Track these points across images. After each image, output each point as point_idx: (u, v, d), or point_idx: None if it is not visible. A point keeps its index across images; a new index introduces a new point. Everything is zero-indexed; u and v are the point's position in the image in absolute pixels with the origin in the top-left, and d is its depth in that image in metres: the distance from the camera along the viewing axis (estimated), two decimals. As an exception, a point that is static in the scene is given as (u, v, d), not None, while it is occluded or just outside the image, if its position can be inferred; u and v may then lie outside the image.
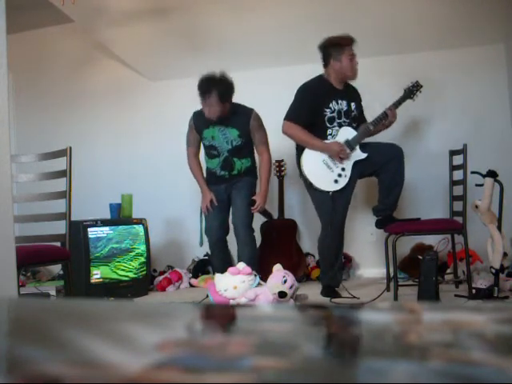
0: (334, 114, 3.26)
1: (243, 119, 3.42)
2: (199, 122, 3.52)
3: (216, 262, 3.60)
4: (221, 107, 3.34)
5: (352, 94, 3.37)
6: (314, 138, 3.23)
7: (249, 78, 3.76)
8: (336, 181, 3.22)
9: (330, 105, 3.25)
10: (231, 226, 3.57)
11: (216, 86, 3.29)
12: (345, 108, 3.29)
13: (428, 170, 4.06)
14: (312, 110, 3.22)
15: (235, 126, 3.42)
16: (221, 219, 3.52)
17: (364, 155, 3.24)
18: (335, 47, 3.24)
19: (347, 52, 3.22)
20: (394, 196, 3.27)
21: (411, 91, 3.37)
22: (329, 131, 3.26)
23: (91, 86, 4.91)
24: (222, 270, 2.97)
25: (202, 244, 3.65)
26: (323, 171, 3.24)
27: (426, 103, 4.09)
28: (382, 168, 3.21)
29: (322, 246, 3.35)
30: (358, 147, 3.26)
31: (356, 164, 3.25)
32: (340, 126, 3.27)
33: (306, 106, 3.23)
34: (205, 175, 3.63)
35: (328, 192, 3.21)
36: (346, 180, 3.22)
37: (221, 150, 3.48)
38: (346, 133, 3.27)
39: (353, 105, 3.33)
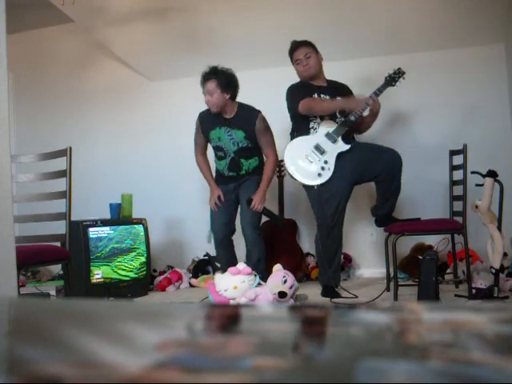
0: None
1: (249, 121, 3.39)
2: (205, 124, 3.50)
3: (220, 260, 3.60)
4: (220, 97, 3.32)
5: (336, 89, 3.34)
6: (331, 102, 3.25)
7: (248, 78, 3.74)
8: (319, 174, 3.20)
9: None
10: (238, 227, 3.56)
11: (215, 74, 3.33)
12: None
13: (428, 169, 4.06)
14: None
15: (241, 128, 3.40)
16: (227, 218, 3.52)
17: (347, 147, 3.22)
18: (289, 54, 3.43)
19: (294, 57, 3.38)
20: (391, 202, 3.30)
21: (392, 78, 3.34)
22: (311, 124, 3.29)
23: (91, 85, 4.91)
24: (226, 270, 2.97)
25: (209, 241, 3.64)
26: (305, 165, 3.23)
27: (425, 103, 4.09)
28: (380, 175, 3.20)
29: (317, 246, 3.34)
30: (340, 139, 3.24)
31: (340, 156, 3.20)
32: (322, 119, 3.28)
33: (298, 96, 3.25)
34: (214, 176, 3.63)
35: (313, 186, 3.21)
36: (330, 173, 3.19)
37: (227, 151, 3.47)
38: (327, 125, 3.27)
39: (338, 99, 3.30)
